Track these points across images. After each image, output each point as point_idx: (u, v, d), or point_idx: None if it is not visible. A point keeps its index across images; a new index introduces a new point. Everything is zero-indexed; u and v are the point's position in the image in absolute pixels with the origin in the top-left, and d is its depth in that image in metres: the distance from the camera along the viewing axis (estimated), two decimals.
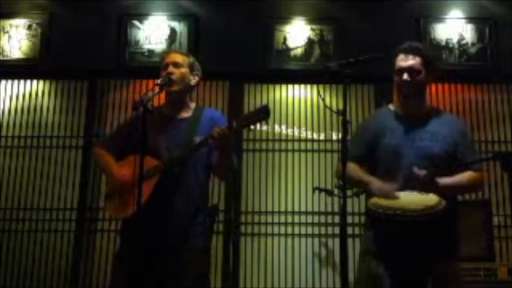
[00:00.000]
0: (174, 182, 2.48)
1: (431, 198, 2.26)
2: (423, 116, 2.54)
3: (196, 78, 2.67)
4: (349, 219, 4.23)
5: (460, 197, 2.73)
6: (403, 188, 2.36)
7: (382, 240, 2.37)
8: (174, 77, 2.55)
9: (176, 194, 2.49)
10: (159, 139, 2.50)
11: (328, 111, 4.07)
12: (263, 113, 2.33)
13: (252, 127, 2.52)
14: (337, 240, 4.25)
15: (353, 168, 2.48)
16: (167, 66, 2.59)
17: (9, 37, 4.68)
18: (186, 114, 2.63)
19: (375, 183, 2.40)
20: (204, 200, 2.63)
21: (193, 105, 2.71)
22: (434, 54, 2.52)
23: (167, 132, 2.55)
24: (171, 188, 2.48)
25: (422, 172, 2.33)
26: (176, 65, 2.59)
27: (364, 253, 2.49)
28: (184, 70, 2.61)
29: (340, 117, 2.19)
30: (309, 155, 4.56)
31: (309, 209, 4.44)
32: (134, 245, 2.40)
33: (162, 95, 2.60)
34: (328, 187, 4.09)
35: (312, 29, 4.65)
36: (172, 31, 4.63)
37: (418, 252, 2.29)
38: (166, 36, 4.62)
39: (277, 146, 4.61)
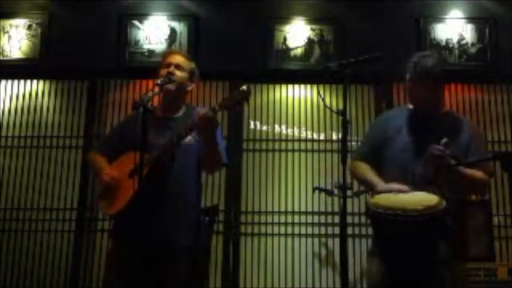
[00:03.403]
0: (164, 173, 2.48)
1: (431, 198, 2.26)
2: (439, 117, 2.51)
3: (193, 85, 2.71)
4: (349, 219, 4.23)
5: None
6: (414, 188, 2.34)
7: (382, 240, 2.37)
8: (174, 77, 2.57)
9: (166, 187, 2.49)
10: (152, 139, 2.50)
11: (328, 111, 4.07)
12: (244, 93, 2.30)
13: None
14: (337, 240, 4.24)
15: (363, 168, 2.50)
16: (169, 65, 2.61)
17: (9, 37, 4.68)
18: (177, 114, 2.67)
19: (382, 185, 2.40)
20: (197, 195, 2.62)
21: (184, 105, 2.73)
22: (444, 65, 2.46)
23: (159, 132, 2.55)
24: (162, 180, 2.48)
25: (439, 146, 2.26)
26: (179, 67, 2.62)
27: (369, 253, 2.50)
28: (185, 74, 2.64)
29: (340, 117, 2.20)
30: (309, 155, 4.56)
31: (309, 209, 4.44)
32: (127, 244, 2.41)
33: (156, 98, 2.61)
34: (328, 187, 4.10)
35: (312, 29, 4.65)
36: (172, 31, 4.63)
37: (418, 252, 2.28)
38: (166, 36, 4.62)
39: (277, 146, 4.61)
